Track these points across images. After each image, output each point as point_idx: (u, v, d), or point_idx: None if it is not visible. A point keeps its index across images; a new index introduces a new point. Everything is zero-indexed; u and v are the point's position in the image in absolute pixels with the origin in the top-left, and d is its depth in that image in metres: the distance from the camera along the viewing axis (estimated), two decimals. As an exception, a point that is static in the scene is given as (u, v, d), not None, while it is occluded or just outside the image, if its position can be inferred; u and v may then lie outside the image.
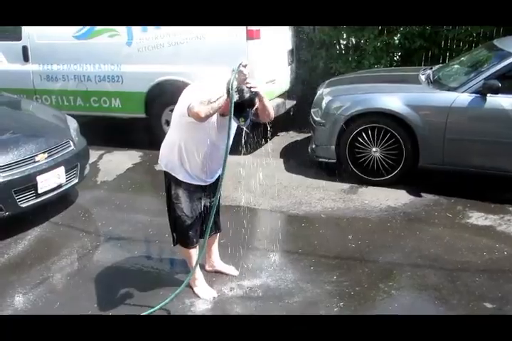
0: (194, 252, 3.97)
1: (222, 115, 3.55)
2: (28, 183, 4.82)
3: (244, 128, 3.55)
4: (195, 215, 3.86)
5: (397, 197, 5.52)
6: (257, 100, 3.44)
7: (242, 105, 3.34)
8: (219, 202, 3.93)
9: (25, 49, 7.12)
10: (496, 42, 6.02)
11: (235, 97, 3.30)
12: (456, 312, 3.72)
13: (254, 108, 3.46)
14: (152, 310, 3.73)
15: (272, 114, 3.70)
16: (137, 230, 4.97)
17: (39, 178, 4.88)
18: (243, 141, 3.97)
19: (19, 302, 3.95)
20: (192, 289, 4.00)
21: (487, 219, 5.03)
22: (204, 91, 3.51)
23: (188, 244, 3.93)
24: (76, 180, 5.40)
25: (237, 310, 3.83)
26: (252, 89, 3.37)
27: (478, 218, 5.06)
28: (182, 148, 3.68)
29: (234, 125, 3.54)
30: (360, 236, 4.78)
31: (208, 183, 3.85)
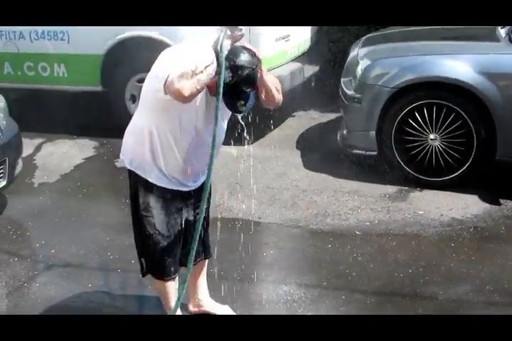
0: (172, 286, 3.94)
1: (214, 94, 3.52)
2: None
3: (239, 117, 3.55)
4: (173, 234, 3.82)
5: (466, 206, 5.51)
6: (258, 74, 3.43)
7: (238, 83, 3.35)
8: (208, 214, 3.92)
9: None
10: None
11: (225, 73, 3.31)
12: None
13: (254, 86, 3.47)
14: None
15: (279, 96, 3.68)
16: (91, 253, 4.97)
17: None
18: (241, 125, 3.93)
19: None
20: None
21: None
22: (188, 55, 3.46)
23: (163, 274, 3.89)
24: (3, 182, 5.41)
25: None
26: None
27: None
28: (155, 137, 3.62)
29: (227, 110, 3.56)
30: (411, 262, 4.77)
31: (190, 188, 3.81)
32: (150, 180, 3.71)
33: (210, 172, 3.51)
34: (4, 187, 5.47)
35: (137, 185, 3.78)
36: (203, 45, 3.49)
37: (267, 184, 5.62)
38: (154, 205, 3.74)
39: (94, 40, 6.77)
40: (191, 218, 3.88)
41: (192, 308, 4.22)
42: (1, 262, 4.91)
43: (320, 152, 6.55)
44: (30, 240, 5.35)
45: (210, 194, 3.83)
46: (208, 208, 3.89)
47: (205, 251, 4.08)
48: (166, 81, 3.34)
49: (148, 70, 3.58)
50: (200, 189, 3.76)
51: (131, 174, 3.80)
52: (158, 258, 3.85)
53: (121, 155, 3.86)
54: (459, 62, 5.59)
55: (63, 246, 5.09)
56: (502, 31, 6.01)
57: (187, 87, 3.28)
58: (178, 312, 3.94)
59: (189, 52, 3.49)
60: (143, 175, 3.72)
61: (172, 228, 3.81)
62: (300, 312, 4.24)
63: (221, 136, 3.68)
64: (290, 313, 4.25)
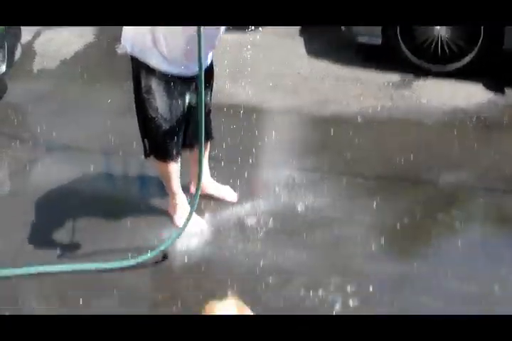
0: (174, 168, 3.97)
1: None
2: None
3: None
4: (176, 117, 3.84)
5: (470, 95, 5.49)
6: None
7: None
8: (210, 99, 3.91)
9: None
10: None
11: None
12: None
13: None
14: (150, 255, 3.81)
15: None
16: (92, 137, 4.97)
17: None
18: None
19: None
20: (172, 218, 4.08)
21: None
22: None
23: (165, 156, 3.93)
24: (3, 68, 5.36)
25: (234, 251, 3.91)
26: None
27: None
28: None
29: None
30: (414, 148, 4.79)
31: (194, 74, 3.75)
32: (151, 64, 3.69)
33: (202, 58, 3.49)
34: (4, 73, 5.42)
35: (139, 69, 3.77)
36: None
37: (269, 71, 5.55)
38: (156, 88, 3.74)
39: None
40: (194, 102, 3.84)
41: (194, 188, 4.25)
42: (3, 145, 4.93)
43: (323, 39, 6.43)
44: (30, 124, 5.33)
45: (212, 79, 3.83)
46: (210, 93, 3.89)
47: (207, 134, 4.07)
48: None
49: None
50: (204, 73, 3.77)
51: (133, 59, 3.78)
52: (161, 141, 3.88)
53: (122, 41, 3.82)
54: None
55: (64, 130, 5.08)
56: None
57: None
58: (179, 193, 4.03)
59: None
60: (144, 60, 3.71)
61: (175, 111, 3.82)
62: (303, 195, 4.30)
63: None
64: (288, 193, 4.32)
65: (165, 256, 3.83)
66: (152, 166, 4.15)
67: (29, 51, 6.30)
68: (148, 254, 3.77)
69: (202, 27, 3.31)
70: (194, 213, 3.98)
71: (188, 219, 3.79)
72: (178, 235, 3.83)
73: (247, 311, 2.37)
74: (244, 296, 2.26)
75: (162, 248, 3.81)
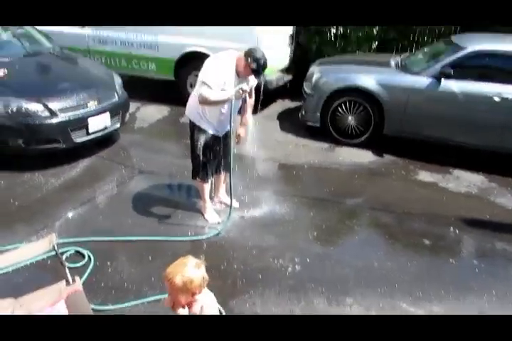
0: (207, 186, 3.95)
1: (238, 76, 3.47)
2: (81, 124, 4.75)
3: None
4: (210, 156, 3.81)
5: (365, 156, 5.49)
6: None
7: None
8: (232, 149, 3.84)
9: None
10: (452, 37, 5.86)
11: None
12: (401, 246, 3.79)
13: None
14: (216, 232, 3.80)
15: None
16: (164, 167, 4.91)
17: (90, 120, 4.81)
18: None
19: (71, 214, 3.98)
20: (202, 215, 4.03)
21: (432, 177, 5.03)
22: (218, 75, 3.40)
23: (203, 178, 3.89)
24: (118, 125, 5.32)
25: (235, 231, 3.86)
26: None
27: (425, 176, 5.06)
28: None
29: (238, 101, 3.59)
30: (333, 183, 4.79)
31: (222, 133, 3.79)
32: (202, 126, 3.68)
33: (231, 126, 3.66)
34: (119, 128, 5.37)
35: (194, 129, 3.75)
36: (228, 57, 3.47)
37: (259, 137, 5.44)
38: (201, 140, 3.72)
39: (172, 50, 6.57)
40: (220, 149, 3.83)
41: (215, 199, 4.22)
42: (114, 168, 4.87)
43: (289, 122, 6.42)
44: (131, 157, 5.24)
45: (230, 137, 3.81)
46: (232, 147, 3.87)
47: (228, 168, 3.99)
48: (200, 92, 3.39)
49: (199, 69, 3.51)
50: (227, 134, 3.80)
51: (191, 123, 3.76)
52: (202, 169, 3.85)
53: (186, 113, 3.80)
54: (368, 78, 5.47)
55: (149, 162, 5.02)
56: (392, 62, 5.87)
57: (205, 102, 3.43)
58: (208, 201, 3.98)
59: (219, 67, 3.43)
60: (197, 124, 3.70)
61: (210, 153, 3.79)
62: (274, 205, 4.24)
63: (238, 106, 3.65)
64: (266, 203, 4.23)
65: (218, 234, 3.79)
66: (195, 184, 4.10)
67: (133, 117, 6.23)
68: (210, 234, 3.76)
69: (233, 101, 3.44)
70: (213, 211, 3.97)
71: (229, 214, 3.85)
72: (226, 224, 3.84)
73: (202, 268, 1.96)
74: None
75: (220, 229, 3.81)
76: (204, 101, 3.43)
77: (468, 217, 4.24)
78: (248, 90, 3.49)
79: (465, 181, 4.98)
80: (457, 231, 4.04)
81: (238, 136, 3.89)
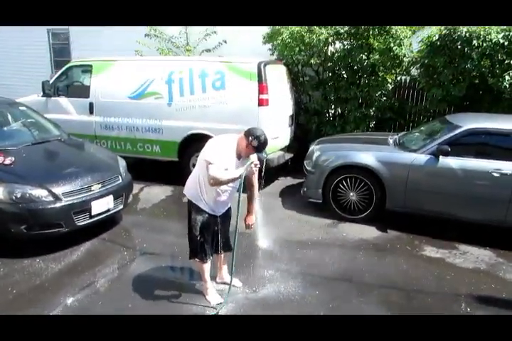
0: (207, 266, 3.88)
1: (239, 158, 3.54)
2: (84, 207, 4.82)
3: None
4: (208, 236, 3.78)
5: (368, 232, 5.45)
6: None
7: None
8: (236, 231, 3.84)
9: (91, 105, 7.24)
10: (447, 117, 6.08)
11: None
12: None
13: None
14: (219, 309, 3.76)
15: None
16: (166, 247, 4.89)
17: (93, 203, 4.88)
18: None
19: (69, 301, 3.88)
20: (204, 296, 3.93)
21: (438, 253, 4.95)
22: (220, 154, 3.48)
23: (202, 258, 3.82)
24: (121, 207, 5.38)
25: (237, 312, 3.75)
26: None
27: (431, 251, 4.98)
28: (202, 185, 3.64)
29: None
30: (338, 260, 4.71)
31: (218, 214, 3.79)
32: (200, 206, 3.69)
33: (230, 207, 3.70)
34: (121, 209, 5.42)
35: (191, 208, 3.77)
36: (229, 139, 3.57)
37: (262, 215, 5.52)
38: (199, 219, 3.72)
39: (175, 133, 6.83)
40: (218, 229, 3.82)
41: (218, 279, 4.17)
42: (116, 250, 4.85)
43: (291, 199, 6.50)
44: (133, 238, 5.24)
45: (230, 217, 3.83)
46: (229, 222, 3.88)
47: (228, 246, 4.00)
48: (207, 167, 3.44)
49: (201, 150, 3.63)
50: (224, 214, 3.81)
51: (189, 202, 3.78)
52: (200, 249, 3.80)
53: (184, 191, 3.84)
54: (368, 155, 5.61)
55: (151, 243, 5.02)
56: (390, 140, 6.05)
57: (217, 182, 3.46)
58: (209, 281, 3.92)
59: (221, 148, 3.53)
60: (195, 203, 3.72)
61: (207, 232, 3.77)
62: (277, 284, 4.13)
63: (236, 187, 3.69)
64: (270, 282, 4.14)
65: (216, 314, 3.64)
66: (194, 265, 4.06)
67: (136, 198, 6.33)
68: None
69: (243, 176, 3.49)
70: (215, 292, 3.87)
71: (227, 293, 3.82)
72: (224, 304, 3.78)
73: None
74: None
75: (218, 309, 3.74)
76: (216, 183, 3.46)
77: (479, 295, 4.11)
78: (259, 164, 3.54)
79: (472, 256, 4.88)
80: (468, 309, 3.89)
81: (248, 225, 3.91)
